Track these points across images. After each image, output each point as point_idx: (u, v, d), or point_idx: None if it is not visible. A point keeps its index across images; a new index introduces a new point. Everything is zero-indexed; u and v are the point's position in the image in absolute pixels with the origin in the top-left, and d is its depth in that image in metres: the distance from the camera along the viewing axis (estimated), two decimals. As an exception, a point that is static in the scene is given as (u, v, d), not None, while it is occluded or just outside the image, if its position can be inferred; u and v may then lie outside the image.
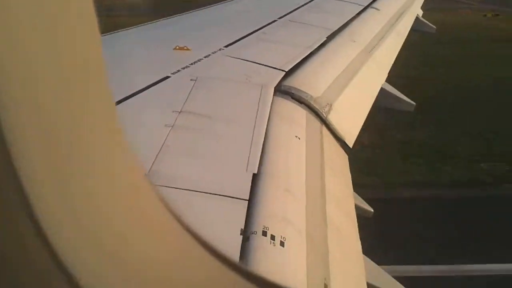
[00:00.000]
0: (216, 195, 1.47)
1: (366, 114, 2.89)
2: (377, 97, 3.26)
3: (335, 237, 1.60)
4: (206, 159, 1.74)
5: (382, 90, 3.48)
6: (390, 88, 3.75)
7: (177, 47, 2.95)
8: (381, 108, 3.63)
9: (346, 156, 2.36)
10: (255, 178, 1.61)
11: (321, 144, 2.22)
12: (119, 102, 1.98)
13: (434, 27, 7.23)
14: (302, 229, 1.48)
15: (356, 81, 3.16)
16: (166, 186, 1.44)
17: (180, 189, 1.46)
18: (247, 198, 1.48)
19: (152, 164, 1.54)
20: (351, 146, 2.45)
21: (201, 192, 1.47)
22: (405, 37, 5.08)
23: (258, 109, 2.20)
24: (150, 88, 2.22)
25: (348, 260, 1.63)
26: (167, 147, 1.67)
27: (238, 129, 2.04)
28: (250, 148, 1.83)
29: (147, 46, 3.37)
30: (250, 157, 1.75)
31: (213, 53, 2.94)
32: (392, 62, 4.09)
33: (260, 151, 1.81)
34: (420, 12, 7.13)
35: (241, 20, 4.61)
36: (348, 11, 4.90)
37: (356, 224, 1.82)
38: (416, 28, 6.31)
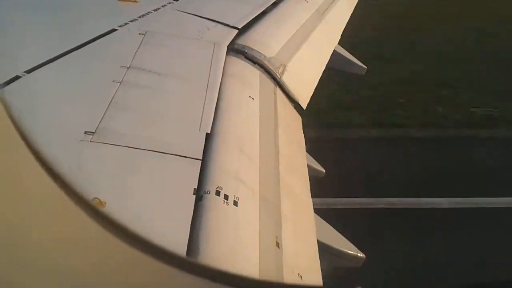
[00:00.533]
0: (168, 154, 1.42)
1: (319, 76, 2.90)
2: (329, 59, 3.27)
3: (288, 197, 1.62)
4: (157, 118, 1.67)
5: (334, 53, 3.50)
6: (342, 51, 3.78)
7: None
8: (333, 70, 3.66)
9: (300, 118, 2.37)
10: (208, 137, 1.58)
11: (275, 105, 2.20)
12: (64, 54, 1.84)
13: None
14: (255, 189, 1.48)
15: (309, 43, 3.14)
16: (115, 144, 1.37)
17: (130, 147, 1.39)
18: (201, 158, 1.45)
19: (100, 121, 1.45)
20: (304, 107, 2.45)
21: (152, 151, 1.41)
22: (356, 1, 5.09)
23: (211, 68, 2.14)
24: (96, 41, 2.07)
25: (300, 219, 1.66)
26: (116, 104, 1.58)
27: (190, 88, 1.98)
28: (203, 107, 1.78)
29: None
30: (203, 117, 1.70)
31: (162, 6, 2.79)
32: (345, 25, 4.10)
33: (213, 110, 1.77)
34: None
35: None
36: None
37: (308, 184, 1.84)
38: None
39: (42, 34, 2.20)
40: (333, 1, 4.33)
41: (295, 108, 2.42)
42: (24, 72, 1.64)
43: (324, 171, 2.51)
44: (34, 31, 2.27)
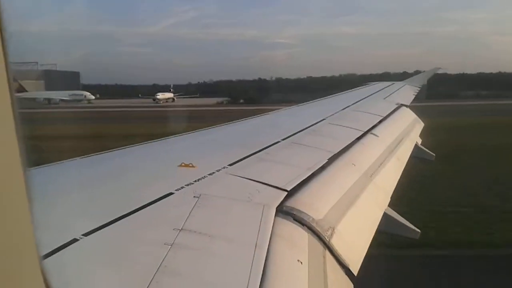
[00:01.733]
0: None
1: (370, 239, 2.83)
2: (380, 222, 3.23)
3: None
4: (205, 282, 1.66)
5: (385, 215, 3.46)
6: (393, 214, 3.73)
7: (183, 164, 3.03)
8: (385, 233, 3.57)
9: (352, 285, 2.25)
10: None
11: (324, 270, 2.13)
12: (121, 217, 1.97)
13: (433, 154, 7.49)
14: None
15: (358, 205, 3.15)
16: None
17: None
18: None
19: (149, 285, 1.47)
20: (355, 274, 2.34)
21: None
22: (405, 163, 5.22)
23: (259, 230, 2.17)
24: (153, 205, 2.22)
25: None
26: (165, 267, 1.61)
27: (238, 250, 1.98)
28: (250, 270, 1.76)
29: (154, 162, 3.46)
30: (250, 280, 1.67)
31: (217, 171, 2.99)
32: (394, 187, 4.13)
33: (261, 274, 1.74)
34: (419, 140, 7.44)
35: (246, 140, 4.80)
36: (348, 135, 5.12)
37: None
38: (416, 155, 6.53)
39: (106, 197, 2.40)
40: (380, 164, 4.47)
41: (346, 273, 2.32)
42: (82, 235, 1.75)
43: None
44: (100, 193, 2.48)
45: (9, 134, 0.67)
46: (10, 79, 0.68)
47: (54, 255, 1.57)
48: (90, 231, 1.80)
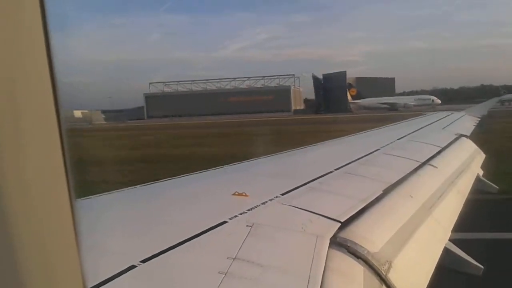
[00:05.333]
0: None
1: (430, 275, 2.69)
2: (440, 257, 3.06)
3: None
4: None
5: (446, 250, 3.28)
6: (454, 249, 3.53)
7: (236, 193, 3.07)
8: (445, 269, 3.37)
9: None
10: None
11: None
12: (177, 245, 2.02)
13: (497, 187, 7.06)
14: None
15: (416, 238, 3.02)
16: None
17: None
18: None
19: None
20: None
21: None
22: (466, 196, 4.96)
23: (312, 261, 2.14)
24: (207, 233, 2.26)
25: None
26: None
27: (291, 281, 1.96)
28: None
29: (209, 190, 3.54)
30: None
31: (269, 200, 3.00)
32: (455, 221, 3.93)
33: None
34: (481, 172, 7.06)
35: (298, 169, 4.79)
36: (404, 166, 4.96)
37: None
38: (477, 187, 6.19)
39: (163, 224, 2.48)
40: (440, 196, 4.28)
41: None
42: (140, 262, 1.82)
43: None
44: (157, 221, 2.56)
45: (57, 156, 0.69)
46: (57, 90, 0.68)
47: (113, 280, 1.64)
48: (147, 258, 1.86)
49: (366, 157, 5.29)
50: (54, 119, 0.68)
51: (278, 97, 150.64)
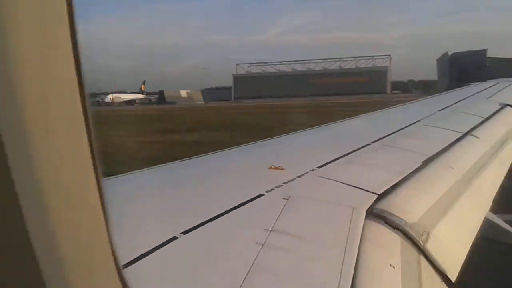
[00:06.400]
0: None
1: (469, 246, 2.66)
2: (481, 228, 3.01)
3: None
4: (294, 282, 1.71)
5: (486, 221, 3.22)
6: (495, 219, 3.45)
7: (272, 167, 3.11)
8: (486, 240, 3.31)
9: None
10: None
11: (419, 276, 2.05)
12: (215, 217, 2.10)
13: None
14: None
15: (456, 209, 2.97)
16: None
17: None
18: None
19: (242, 283, 1.56)
20: (453, 280, 2.22)
21: None
22: (508, 167, 4.79)
23: (349, 232, 2.15)
24: (245, 206, 2.33)
25: None
26: (257, 266, 1.69)
27: (328, 252, 2.00)
28: (340, 273, 1.76)
29: (246, 165, 3.60)
30: (340, 283, 1.68)
31: (306, 173, 3.02)
32: (496, 191, 3.82)
33: (351, 278, 1.73)
34: None
35: (335, 142, 4.76)
36: (445, 137, 4.83)
37: None
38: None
39: (201, 198, 2.57)
40: (481, 167, 4.16)
41: (443, 280, 2.21)
42: (181, 233, 1.90)
43: None
44: (189, 194, 2.65)
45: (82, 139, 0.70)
46: (82, 78, 0.68)
47: (156, 251, 1.72)
48: (188, 229, 1.95)
49: (406, 128, 5.19)
50: (79, 105, 0.68)
51: (374, 78, 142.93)
